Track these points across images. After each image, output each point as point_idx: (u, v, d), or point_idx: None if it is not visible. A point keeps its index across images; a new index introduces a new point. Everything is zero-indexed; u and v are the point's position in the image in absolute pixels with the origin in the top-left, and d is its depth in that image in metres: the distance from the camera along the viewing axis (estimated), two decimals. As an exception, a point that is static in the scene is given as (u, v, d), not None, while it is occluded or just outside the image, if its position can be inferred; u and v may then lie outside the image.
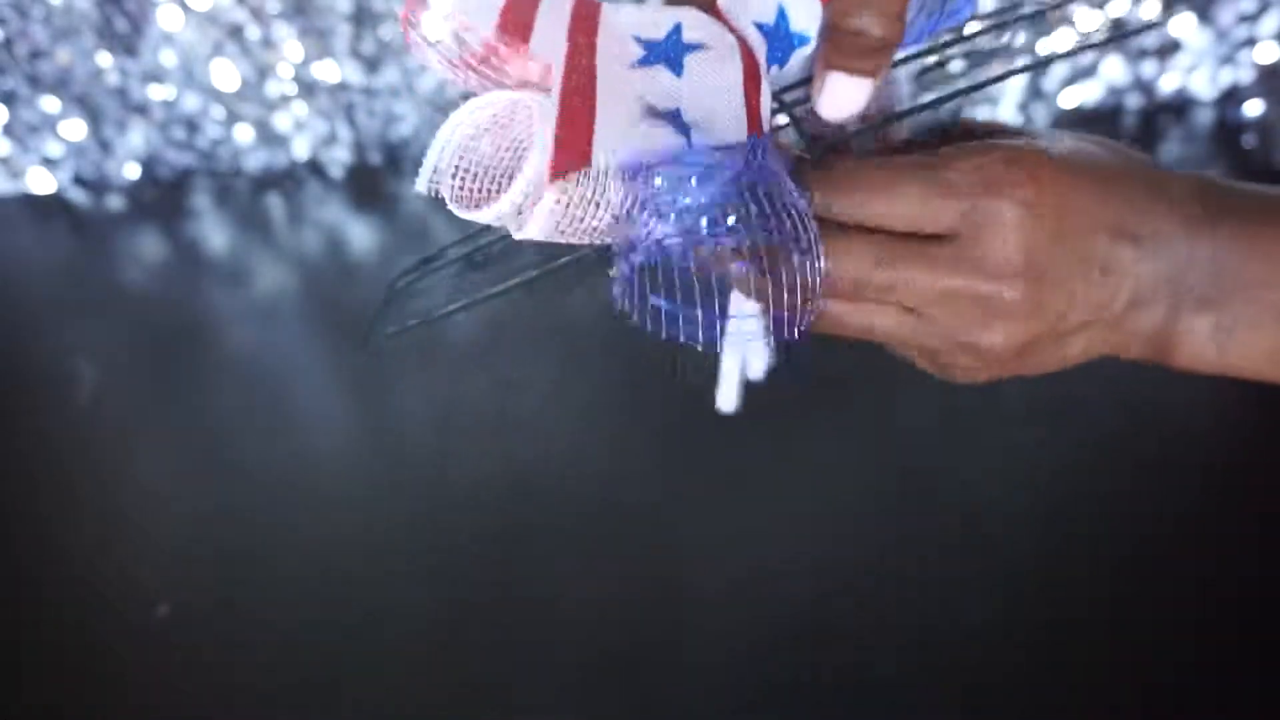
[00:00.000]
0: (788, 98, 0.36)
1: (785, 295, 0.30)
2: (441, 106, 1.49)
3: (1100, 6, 1.42)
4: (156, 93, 1.43)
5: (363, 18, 1.38)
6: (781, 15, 0.34)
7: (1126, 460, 0.99)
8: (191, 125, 1.47)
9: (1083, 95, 1.50)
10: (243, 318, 1.26)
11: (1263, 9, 1.42)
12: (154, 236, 1.43)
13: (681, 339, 0.29)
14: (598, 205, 0.29)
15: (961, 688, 0.83)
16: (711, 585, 0.90)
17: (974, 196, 0.32)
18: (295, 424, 1.10)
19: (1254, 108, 1.49)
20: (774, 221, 0.29)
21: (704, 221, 0.29)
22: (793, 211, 0.30)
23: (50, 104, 1.41)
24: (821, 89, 0.33)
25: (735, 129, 0.31)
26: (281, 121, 1.48)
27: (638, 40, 0.34)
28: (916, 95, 0.38)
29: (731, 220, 0.29)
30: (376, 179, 1.50)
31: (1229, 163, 1.46)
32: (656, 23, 0.34)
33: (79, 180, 1.50)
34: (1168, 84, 1.50)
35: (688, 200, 0.29)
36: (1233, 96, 1.51)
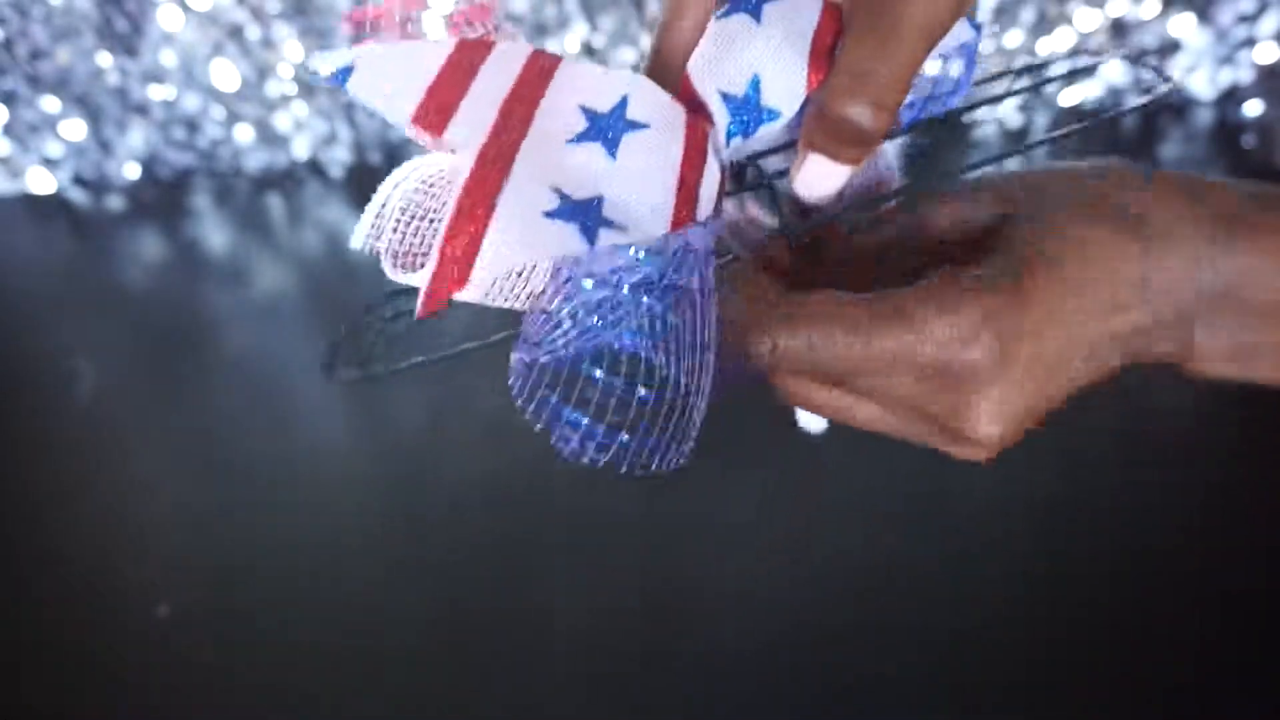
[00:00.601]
0: (767, 164, 0.35)
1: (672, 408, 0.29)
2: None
3: (1100, 6, 1.42)
4: (156, 93, 1.43)
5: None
6: (754, 86, 0.33)
7: (1130, 460, 0.99)
8: (191, 125, 1.47)
9: (1083, 95, 1.50)
10: (243, 318, 1.26)
11: (1262, 9, 1.42)
12: (154, 236, 1.43)
13: (574, 453, 0.28)
14: (524, 281, 0.29)
15: (963, 691, 0.83)
16: (711, 589, 0.90)
17: (948, 359, 0.31)
18: (295, 424, 1.10)
19: (1254, 108, 1.49)
20: (675, 334, 0.28)
21: (601, 325, 0.28)
22: (698, 339, 0.29)
23: (50, 104, 1.41)
24: (801, 167, 0.32)
25: (657, 222, 0.30)
26: (281, 121, 1.48)
27: (582, 111, 0.32)
28: (903, 167, 0.37)
29: (633, 327, 0.28)
30: (376, 179, 1.50)
31: (1229, 163, 1.46)
32: (607, 89, 0.33)
33: (79, 180, 1.50)
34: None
35: (588, 302, 0.28)
36: (1232, 96, 1.51)
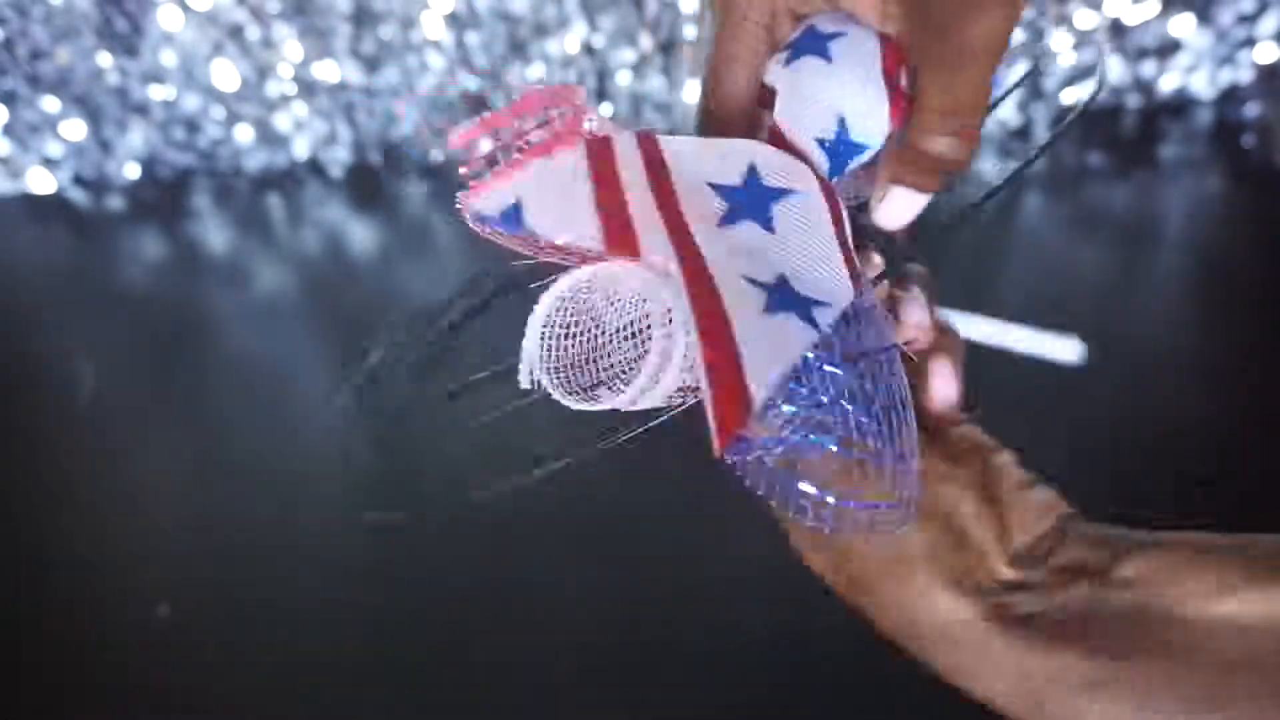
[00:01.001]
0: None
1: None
2: (441, 106, 1.49)
3: (1098, 7, 1.42)
4: (156, 93, 1.43)
5: (363, 18, 1.38)
6: (841, 125, 0.33)
7: (1122, 459, 0.99)
8: (191, 125, 1.47)
9: (1082, 95, 1.50)
10: (243, 318, 1.26)
11: (1262, 9, 1.43)
12: (154, 236, 1.43)
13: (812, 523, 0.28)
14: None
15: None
16: (715, 582, 0.90)
17: None
18: (295, 424, 1.10)
19: (1254, 108, 1.49)
20: (891, 418, 0.28)
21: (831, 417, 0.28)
22: (905, 399, 0.29)
23: (50, 104, 1.41)
24: (884, 199, 0.33)
25: (844, 285, 0.30)
26: (281, 121, 1.48)
27: (714, 189, 0.31)
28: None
29: (854, 414, 0.28)
30: (376, 179, 1.51)
31: (1229, 163, 1.46)
32: (726, 160, 0.32)
33: (79, 180, 1.50)
34: (1167, 84, 1.50)
35: (811, 387, 0.28)
36: (1232, 96, 1.51)
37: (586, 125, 0.33)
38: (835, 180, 0.34)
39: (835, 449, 0.28)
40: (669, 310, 0.28)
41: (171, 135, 1.48)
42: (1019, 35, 1.44)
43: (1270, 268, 1.26)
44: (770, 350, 0.27)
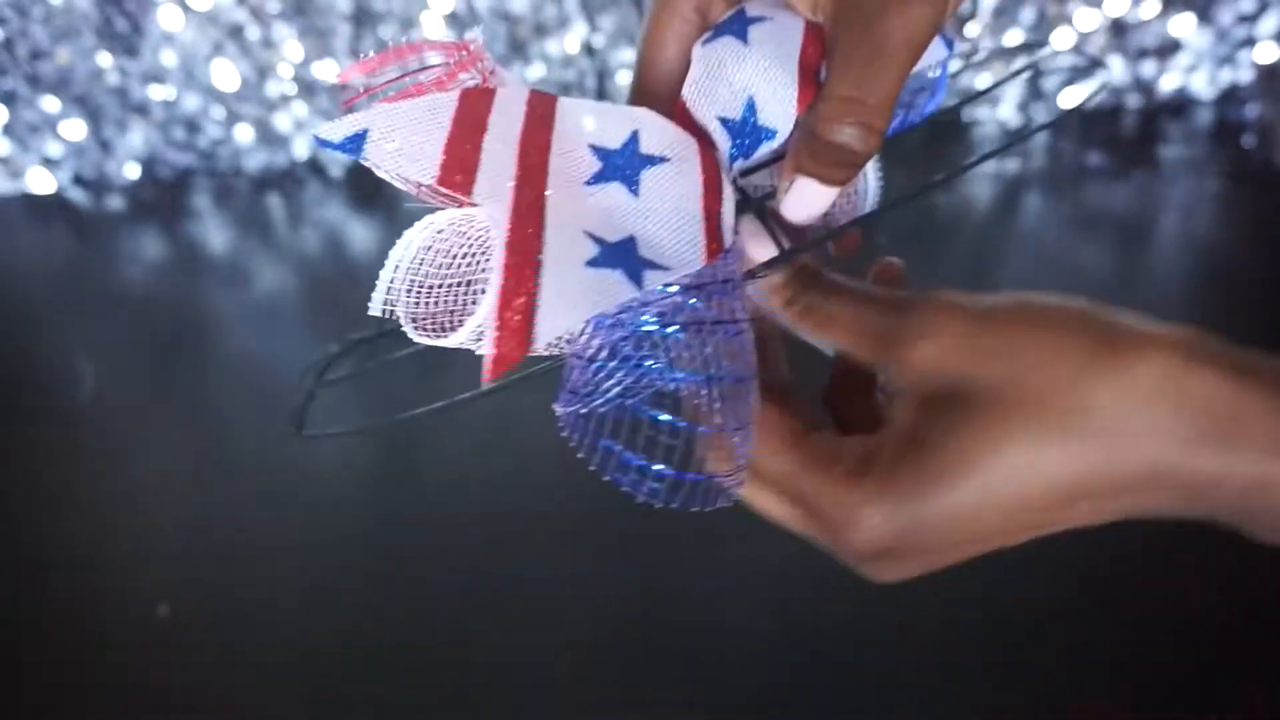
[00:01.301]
0: (752, 183, 0.35)
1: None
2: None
3: (1098, 7, 1.43)
4: (156, 93, 1.43)
5: (363, 18, 1.38)
6: (749, 108, 0.33)
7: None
8: (191, 125, 1.47)
9: (1082, 95, 1.50)
10: (243, 318, 1.26)
11: (1262, 9, 1.43)
12: (154, 236, 1.43)
13: (640, 495, 0.29)
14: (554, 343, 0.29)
15: (960, 686, 0.83)
16: (710, 583, 0.90)
17: (837, 527, 0.32)
18: (285, 424, 1.10)
19: (1254, 108, 1.49)
20: (716, 386, 0.28)
21: (648, 373, 0.28)
22: (746, 371, 0.29)
23: (50, 104, 1.41)
24: (789, 190, 0.32)
25: (693, 255, 0.30)
26: (281, 121, 1.48)
27: (593, 150, 0.32)
28: (881, 188, 0.37)
29: (679, 375, 0.28)
30: (376, 179, 1.50)
31: (1229, 163, 1.46)
32: (614, 125, 0.33)
33: (79, 180, 1.50)
34: (1167, 84, 1.50)
35: (638, 346, 0.28)
36: (1233, 96, 1.51)
37: (469, 76, 0.33)
38: (740, 163, 0.34)
39: (664, 416, 0.28)
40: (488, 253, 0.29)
41: (171, 135, 1.48)
42: (1019, 36, 1.44)
43: (1270, 268, 1.26)
44: (575, 296, 0.28)
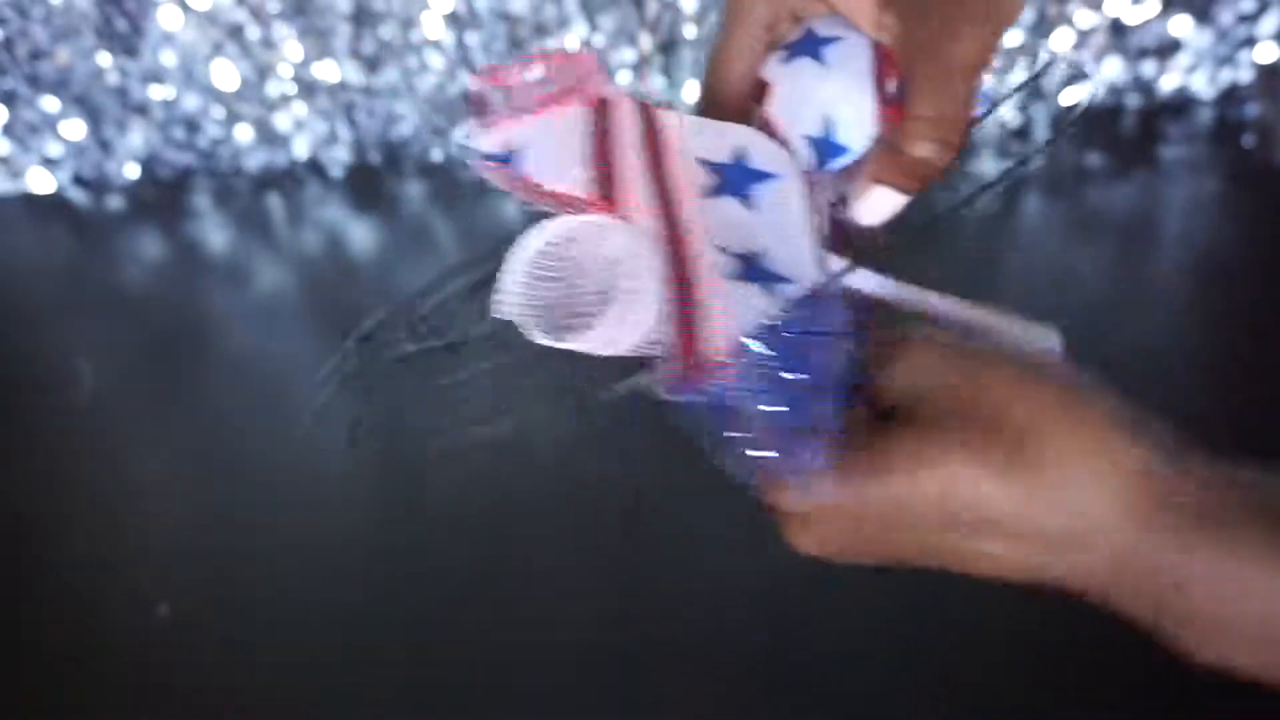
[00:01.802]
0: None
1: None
2: (441, 106, 1.49)
3: (1098, 7, 1.43)
4: (156, 93, 1.43)
5: (363, 18, 1.38)
6: (829, 126, 0.35)
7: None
8: (191, 125, 1.47)
9: (1082, 95, 1.50)
10: (243, 318, 1.26)
11: (1262, 9, 1.43)
12: (154, 236, 1.43)
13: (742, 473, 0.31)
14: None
15: (958, 686, 0.83)
16: (710, 584, 0.90)
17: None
18: (295, 424, 1.10)
19: (1254, 108, 1.49)
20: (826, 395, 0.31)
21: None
22: (834, 380, 0.31)
23: (50, 104, 1.41)
24: (866, 198, 0.35)
25: (809, 268, 0.32)
26: (281, 121, 1.48)
27: (703, 164, 0.34)
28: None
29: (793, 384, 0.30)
30: (376, 179, 1.50)
31: (1229, 163, 1.46)
32: (718, 140, 0.35)
33: (79, 180, 1.50)
34: (1168, 84, 1.50)
35: (779, 357, 0.30)
36: (1233, 96, 1.51)
37: (594, 88, 0.35)
38: (817, 176, 0.36)
39: (769, 409, 0.30)
40: (642, 261, 0.30)
41: (171, 135, 1.48)
42: (1019, 37, 1.44)
43: (1270, 268, 1.26)
44: (731, 311, 0.30)
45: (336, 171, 1.52)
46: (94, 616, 0.89)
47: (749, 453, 0.30)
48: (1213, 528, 0.31)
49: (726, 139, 0.35)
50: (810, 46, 0.36)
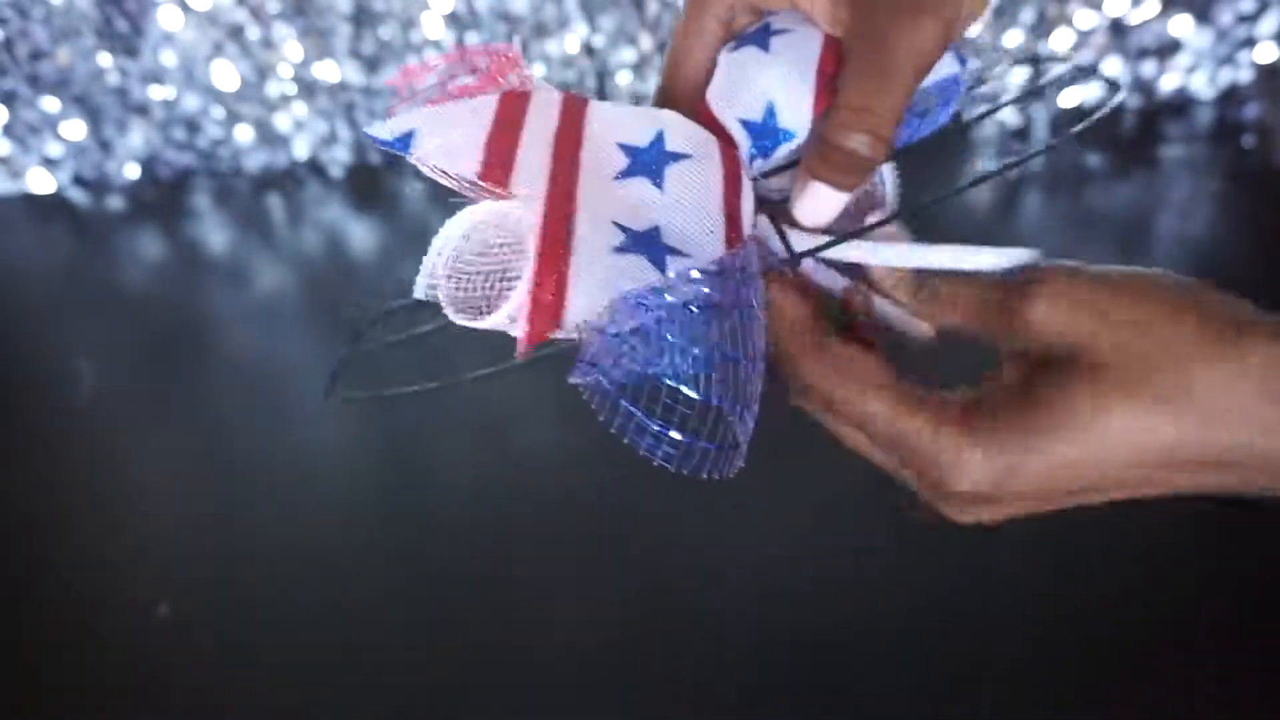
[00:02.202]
0: (772, 186, 0.37)
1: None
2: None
3: (1098, 7, 1.43)
4: (156, 93, 1.43)
5: (363, 18, 1.38)
6: (770, 112, 0.36)
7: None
8: (191, 125, 1.47)
9: (1082, 95, 1.50)
10: (243, 318, 1.26)
11: (1262, 9, 1.43)
12: (154, 236, 1.43)
13: (656, 458, 0.31)
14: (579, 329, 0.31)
15: (960, 689, 0.83)
16: (709, 586, 0.90)
17: (939, 471, 0.33)
18: (295, 424, 1.10)
19: (1254, 108, 1.49)
20: (733, 369, 0.31)
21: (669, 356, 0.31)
22: (753, 355, 0.31)
23: (50, 104, 1.41)
24: (801, 195, 0.34)
25: (713, 244, 0.33)
26: (281, 121, 1.48)
27: (621, 148, 0.35)
28: (899, 190, 0.39)
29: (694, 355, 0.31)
30: (376, 179, 1.51)
31: (1229, 163, 1.46)
32: (640, 125, 0.36)
33: (79, 180, 1.50)
34: (1168, 84, 1.50)
35: (660, 324, 0.31)
36: (1232, 96, 1.51)
37: (512, 78, 0.36)
38: (760, 162, 0.36)
39: (673, 383, 0.30)
40: (521, 244, 0.32)
41: (171, 135, 1.48)
42: (1020, 37, 1.44)
43: (1270, 268, 1.26)
44: (603, 279, 0.31)
45: (336, 171, 1.52)
46: (94, 616, 0.89)
47: (647, 427, 0.30)
48: None
49: (647, 123, 0.35)
50: (759, 36, 0.36)
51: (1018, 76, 1.43)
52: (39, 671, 0.85)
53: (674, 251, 0.32)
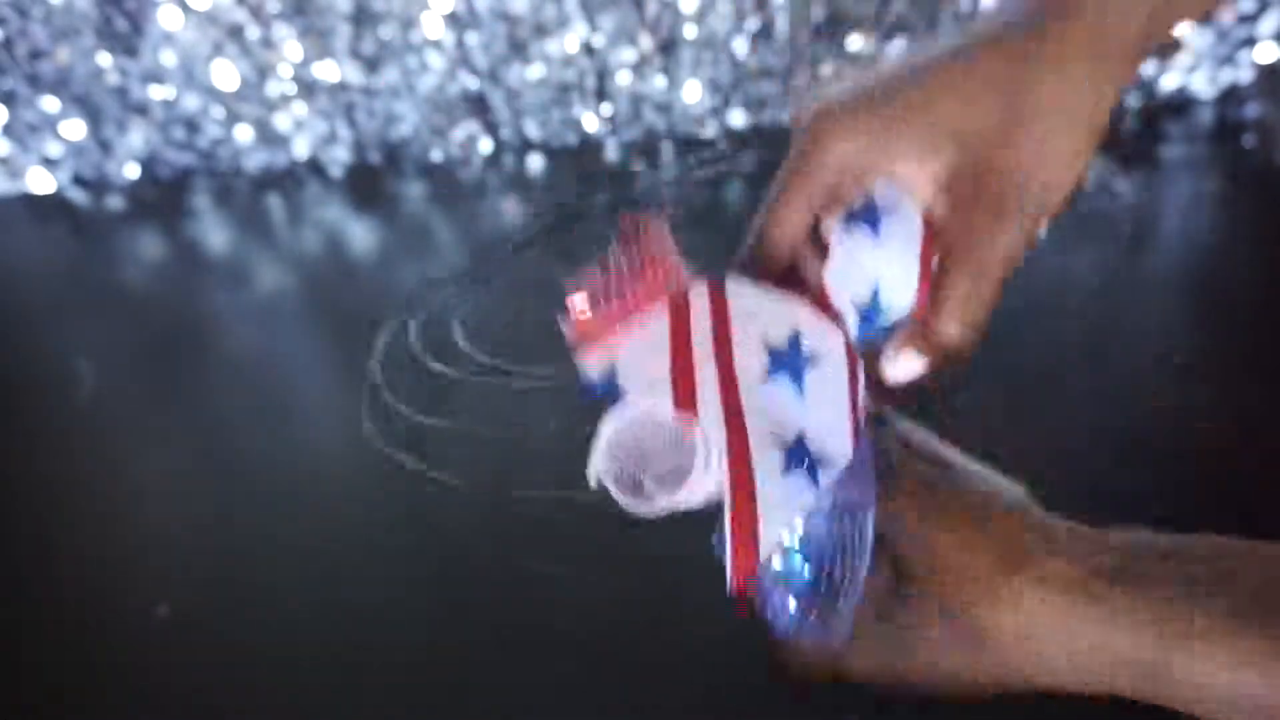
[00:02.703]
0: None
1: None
2: (441, 106, 1.49)
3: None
4: (156, 93, 1.43)
5: (363, 18, 1.38)
6: (875, 293, 0.40)
7: (1120, 460, 0.99)
8: (191, 125, 1.47)
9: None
10: (243, 318, 1.26)
11: (1263, 9, 1.43)
12: (154, 236, 1.43)
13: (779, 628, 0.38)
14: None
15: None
16: (709, 587, 0.90)
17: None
18: (295, 424, 1.10)
19: (1254, 108, 1.49)
20: (851, 559, 0.36)
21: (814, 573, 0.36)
22: (867, 546, 0.36)
23: (50, 104, 1.41)
24: (896, 360, 0.40)
25: (846, 441, 0.37)
26: (281, 121, 1.48)
27: (765, 349, 0.39)
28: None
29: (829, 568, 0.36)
30: (376, 179, 1.50)
31: (1229, 163, 1.46)
32: (777, 320, 0.39)
33: (79, 180, 1.50)
34: (1168, 84, 1.50)
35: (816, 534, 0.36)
36: (1232, 96, 1.51)
37: (668, 278, 0.40)
38: (860, 338, 0.41)
39: (809, 581, 0.36)
40: (705, 454, 0.36)
41: (171, 135, 1.48)
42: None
43: (1270, 268, 1.26)
44: (781, 507, 0.35)
45: (336, 171, 1.52)
46: (94, 616, 0.89)
47: (787, 624, 0.37)
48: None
49: (783, 320, 0.39)
50: (869, 216, 0.40)
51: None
52: (39, 671, 0.85)
53: (819, 461, 0.36)
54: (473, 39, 1.42)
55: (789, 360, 0.38)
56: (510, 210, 1.39)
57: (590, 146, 1.55)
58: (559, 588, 0.89)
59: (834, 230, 0.41)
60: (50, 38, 1.35)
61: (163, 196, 1.49)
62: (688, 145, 1.55)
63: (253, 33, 1.38)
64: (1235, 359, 1.13)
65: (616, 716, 0.81)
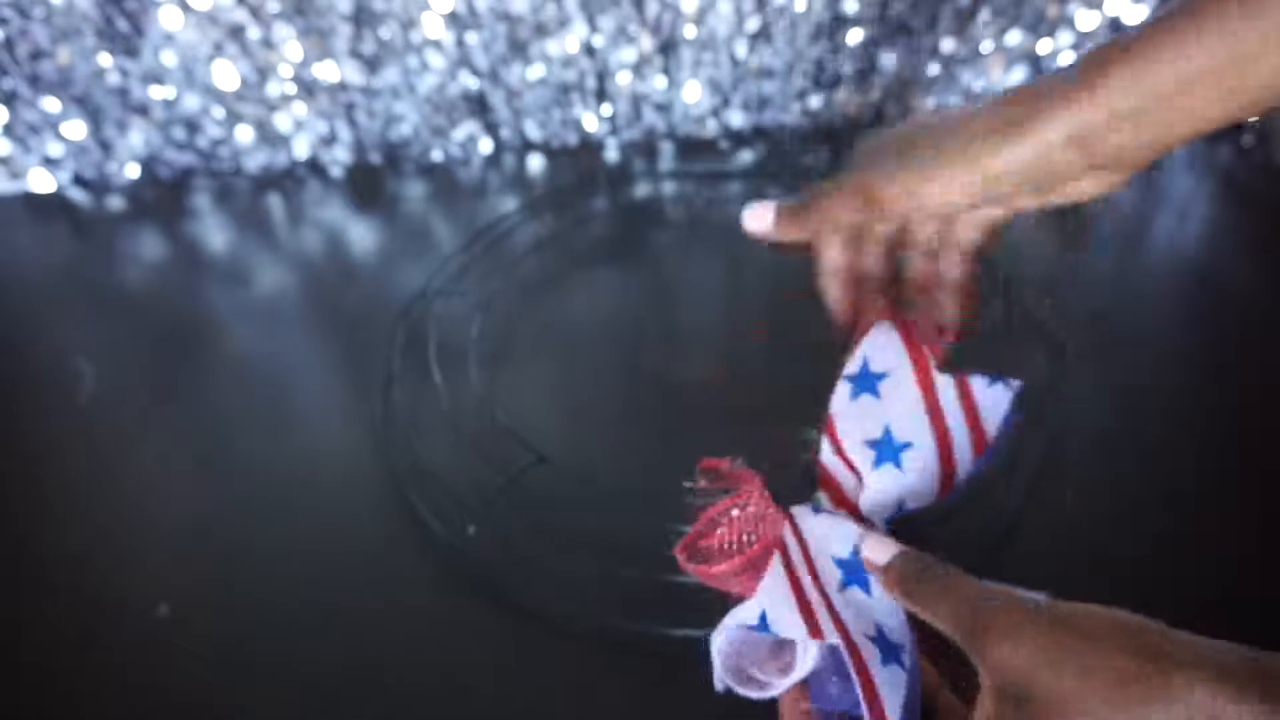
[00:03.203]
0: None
1: None
2: (441, 106, 1.49)
3: (1098, 7, 1.43)
4: (156, 93, 1.43)
5: (363, 18, 1.38)
6: (887, 431, 0.50)
7: (1118, 462, 0.99)
8: (191, 125, 1.47)
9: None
10: (243, 318, 1.26)
11: (1262, 9, 1.42)
12: (154, 236, 1.43)
13: None
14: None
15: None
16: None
17: None
18: (295, 424, 1.10)
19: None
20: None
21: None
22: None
23: (50, 104, 1.42)
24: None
25: (907, 632, 0.46)
26: (281, 121, 1.48)
27: (835, 561, 0.48)
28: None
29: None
30: (376, 179, 1.51)
31: (1229, 163, 1.46)
32: (840, 536, 0.48)
33: (79, 180, 1.51)
34: (1167, 84, 1.50)
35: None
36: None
37: (777, 527, 0.48)
38: (885, 521, 0.50)
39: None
40: (803, 651, 0.46)
41: (172, 135, 1.48)
42: (1019, 37, 1.44)
43: (1269, 268, 1.26)
44: (892, 694, 0.42)
45: (336, 171, 1.52)
46: (94, 616, 0.89)
47: None
48: None
49: (845, 535, 0.48)
50: (867, 383, 0.50)
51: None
52: (38, 671, 0.85)
53: (900, 648, 0.45)
54: (473, 39, 1.42)
55: (852, 566, 0.47)
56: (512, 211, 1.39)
57: (590, 146, 1.55)
58: (564, 590, 0.89)
59: (837, 402, 0.52)
60: (51, 38, 1.35)
61: (163, 196, 1.49)
62: (688, 145, 1.55)
63: (253, 33, 1.38)
64: (1233, 358, 1.13)
65: (626, 714, 0.81)
